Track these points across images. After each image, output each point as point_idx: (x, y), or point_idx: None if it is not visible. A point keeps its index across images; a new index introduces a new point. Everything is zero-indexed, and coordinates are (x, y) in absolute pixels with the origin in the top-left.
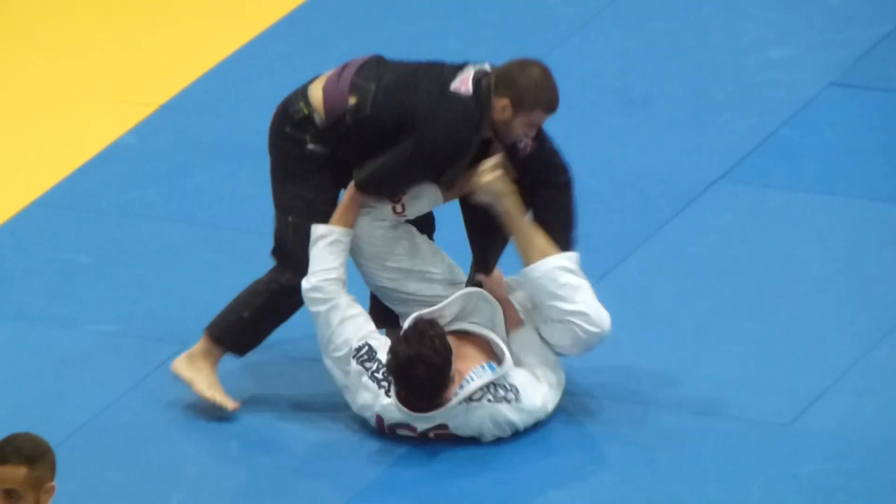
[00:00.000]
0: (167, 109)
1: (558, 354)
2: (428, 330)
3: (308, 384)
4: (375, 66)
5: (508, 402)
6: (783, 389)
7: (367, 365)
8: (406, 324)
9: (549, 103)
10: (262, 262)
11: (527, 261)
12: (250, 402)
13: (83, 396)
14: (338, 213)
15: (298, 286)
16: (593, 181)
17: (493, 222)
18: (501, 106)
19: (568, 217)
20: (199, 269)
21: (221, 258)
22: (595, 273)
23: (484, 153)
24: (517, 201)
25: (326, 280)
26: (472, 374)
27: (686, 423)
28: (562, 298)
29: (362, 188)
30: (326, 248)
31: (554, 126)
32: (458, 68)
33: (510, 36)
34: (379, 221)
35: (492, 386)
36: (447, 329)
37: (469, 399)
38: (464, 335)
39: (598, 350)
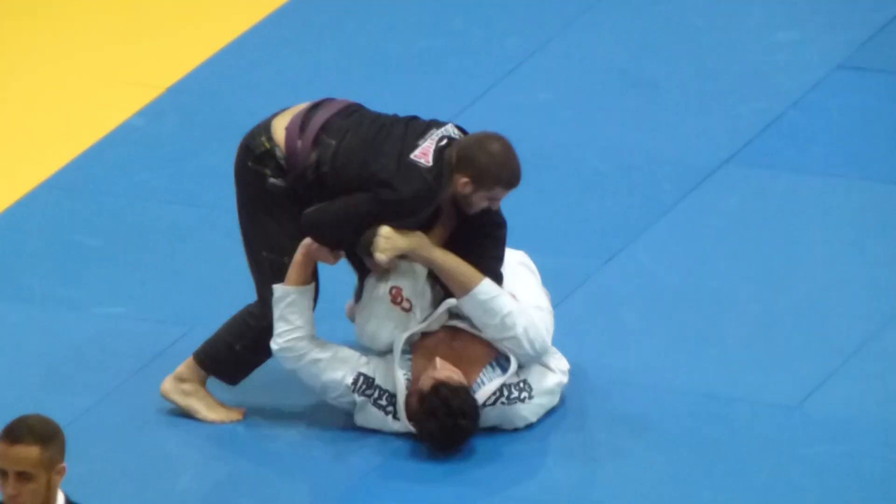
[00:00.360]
0: (175, 92)
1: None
2: (453, 398)
3: None
4: (344, 119)
5: (522, 401)
6: (790, 372)
7: (367, 392)
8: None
9: (510, 180)
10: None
11: (457, 292)
12: (257, 389)
13: (90, 379)
14: (292, 270)
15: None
16: (600, 164)
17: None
18: (462, 182)
19: (494, 263)
20: (206, 252)
21: (229, 240)
22: (602, 256)
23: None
24: (425, 244)
25: (292, 339)
26: (483, 376)
27: (693, 405)
28: (494, 328)
29: (304, 226)
30: (287, 310)
31: (562, 109)
32: (423, 132)
33: (517, 18)
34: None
35: (505, 387)
36: (444, 325)
37: (483, 405)
38: (464, 332)
39: (604, 333)
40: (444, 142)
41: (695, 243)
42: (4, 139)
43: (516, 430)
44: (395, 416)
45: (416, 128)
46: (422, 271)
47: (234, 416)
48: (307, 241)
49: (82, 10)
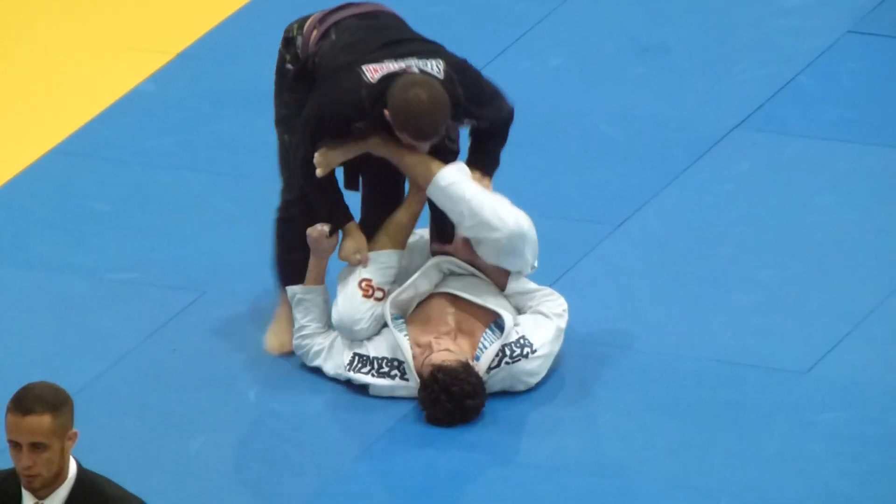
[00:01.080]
0: (186, 57)
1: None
2: (452, 383)
3: None
4: (360, 20)
5: (525, 356)
6: (800, 337)
7: (364, 370)
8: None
9: (414, 132)
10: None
11: (423, 181)
12: (269, 357)
13: (102, 344)
14: (309, 270)
15: (296, 199)
16: (610, 130)
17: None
18: (386, 116)
19: (492, 155)
20: (217, 217)
21: (239, 206)
22: (612, 221)
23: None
24: (373, 143)
25: (300, 338)
26: (483, 341)
27: (703, 371)
28: (462, 214)
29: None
30: (295, 310)
31: (573, 74)
32: (401, 55)
33: None
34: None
35: (505, 347)
36: (437, 291)
37: (488, 369)
38: (459, 300)
39: (614, 299)
40: (397, 75)
41: (705, 209)
42: (14, 105)
43: (527, 391)
44: (403, 377)
45: (401, 49)
46: (391, 259)
47: (285, 349)
48: (308, 231)
49: None
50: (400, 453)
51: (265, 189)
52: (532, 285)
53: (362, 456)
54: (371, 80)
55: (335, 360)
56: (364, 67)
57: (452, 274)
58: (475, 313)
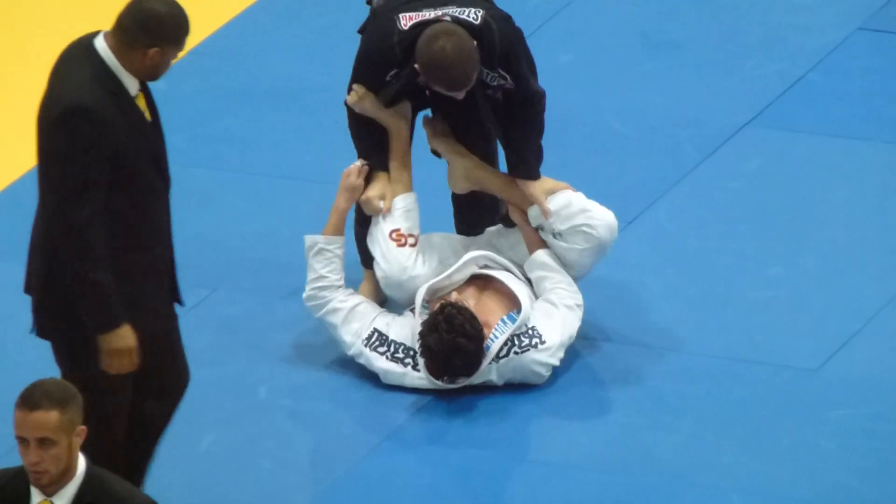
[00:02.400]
0: (195, 54)
1: (578, 269)
2: (456, 316)
3: (331, 337)
4: None
5: (534, 346)
6: (811, 334)
7: (381, 350)
8: (418, 301)
9: (446, 84)
10: (290, 207)
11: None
12: (279, 350)
13: None
14: (330, 218)
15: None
16: (621, 126)
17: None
18: (417, 69)
19: (532, 145)
20: (226, 214)
21: (249, 203)
22: (623, 219)
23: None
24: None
25: (315, 288)
26: (495, 331)
27: (714, 368)
28: (567, 217)
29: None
30: (313, 259)
31: (584, 70)
32: (441, 3)
33: None
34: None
35: (514, 338)
36: (474, 273)
37: (497, 357)
38: (483, 282)
39: (625, 295)
40: (433, 22)
41: (715, 206)
42: (23, 101)
43: (539, 388)
44: (415, 368)
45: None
46: (408, 202)
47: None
48: (343, 173)
49: None
50: (410, 450)
51: (275, 185)
52: (557, 265)
53: (372, 453)
54: (404, 27)
55: (354, 327)
56: (400, 15)
57: (487, 268)
58: (493, 304)
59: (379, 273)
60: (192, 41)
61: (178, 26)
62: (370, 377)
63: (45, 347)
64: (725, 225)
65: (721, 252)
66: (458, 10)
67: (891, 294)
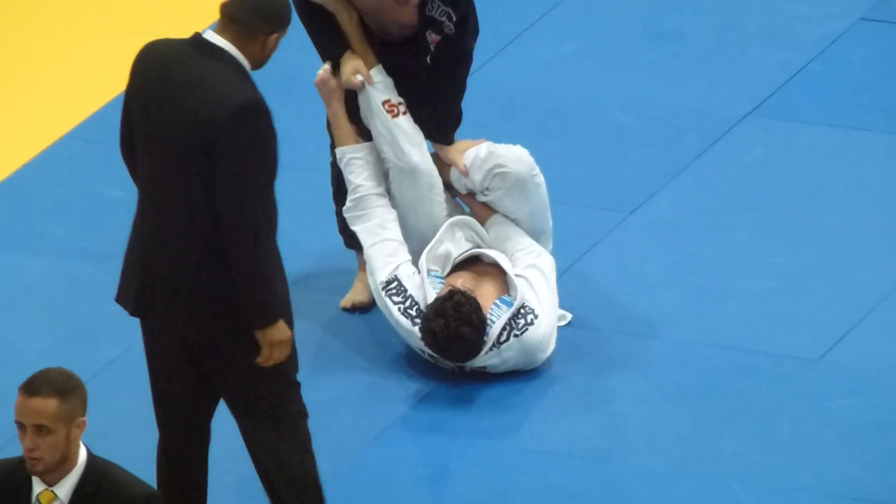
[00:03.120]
0: None
1: (533, 224)
2: (465, 305)
3: (333, 327)
4: None
5: (530, 324)
6: (813, 324)
7: (396, 299)
8: (423, 268)
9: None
10: (292, 196)
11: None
12: None
13: (115, 330)
14: (334, 130)
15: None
16: (624, 116)
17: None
18: None
19: (452, 109)
20: None
21: None
22: (626, 208)
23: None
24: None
25: (354, 199)
26: (491, 315)
27: (716, 357)
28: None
29: None
30: (347, 172)
31: (585, 60)
32: None
33: None
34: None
35: (511, 320)
36: (458, 260)
37: (497, 343)
38: (480, 267)
39: (627, 286)
40: None
41: (718, 196)
42: (29, 91)
43: (540, 375)
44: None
45: None
46: (383, 74)
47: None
48: (315, 81)
49: None
50: (412, 440)
51: (279, 176)
52: (509, 226)
53: (374, 442)
54: None
55: (375, 263)
56: None
57: (475, 244)
58: (489, 288)
59: (394, 154)
60: (197, 27)
61: (289, 8)
62: (369, 370)
63: (47, 338)
64: (727, 215)
65: (723, 242)
66: None
67: (892, 285)
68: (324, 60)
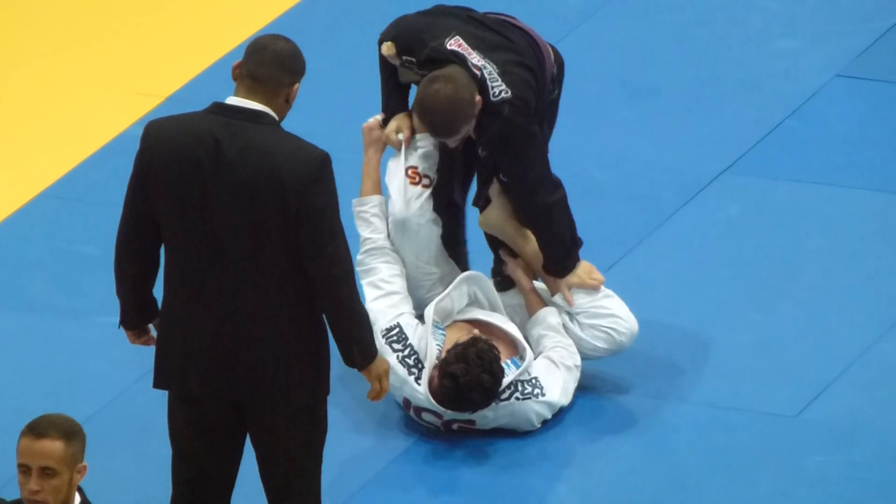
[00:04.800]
0: (175, 101)
1: (587, 358)
2: (488, 352)
3: None
4: (485, 28)
5: (535, 396)
6: (790, 381)
7: (395, 347)
8: (428, 318)
9: (429, 127)
10: None
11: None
12: None
13: (91, 387)
14: (364, 182)
15: None
16: (600, 172)
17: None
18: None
19: (546, 238)
20: None
21: None
22: (602, 264)
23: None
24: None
25: (364, 253)
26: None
27: (693, 414)
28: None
29: None
30: (357, 225)
31: (562, 117)
32: (490, 56)
33: None
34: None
35: (518, 383)
36: (464, 318)
37: (498, 398)
38: (484, 327)
39: None
40: (474, 68)
41: (694, 252)
42: (4, 148)
43: (520, 435)
44: (418, 381)
45: (496, 55)
46: (428, 142)
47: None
48: (364, 129)
49: (82, 19)
50: (392, 495)
51: None
52: (558, 326)
53: (355, 497)
54: (447, 45)
55: (376, 314)
56: (456, 35)
57: (477, 302)
58: (498, 337)
59: (391, 208)
60: (170, 88)
61: (302, 55)
62: (350, 421)
63: (24, 396)
64: (704, 271)
65: (699, 298)
66: (496, 76)
67: (869, 341)
68: (382, 111)
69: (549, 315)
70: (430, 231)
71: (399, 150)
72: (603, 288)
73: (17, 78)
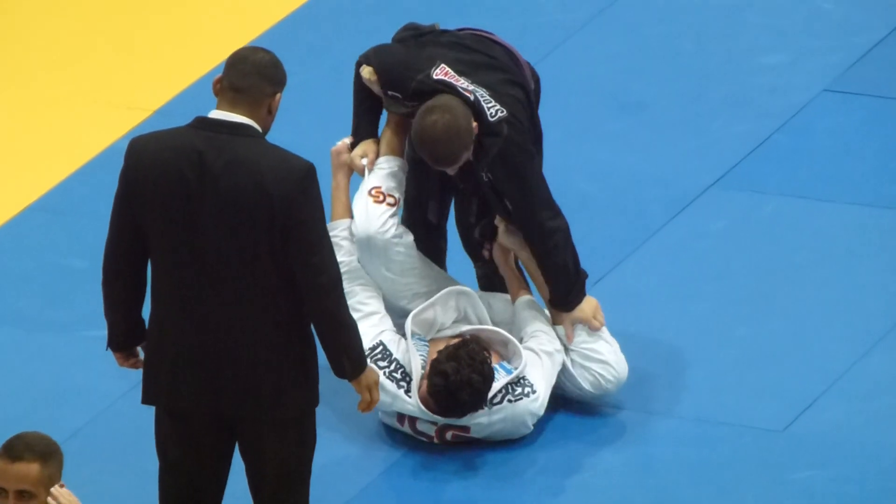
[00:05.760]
0: (162, 114)
1: (568, 395)
2: (479, 353)
3: None
4: (465, 50)
5: (527, 395)
6: (777, 395)
7: (381, 364)
8: (408, 330)
9: (429, 157)
10: None
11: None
12: None
13: (78, 401)
14: (333, 206)
15: None
16: (588, 186)
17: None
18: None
19: (550, 270)
20: None
21: None
22: (590, 278)
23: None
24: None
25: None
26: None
27: (680, 428)
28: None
29: None
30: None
31: (550, 130)
32: (478, 80)
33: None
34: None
35: (508, 386)
36: (450, 334)
37: (490, 403)
38: (472, 336)
39: None
40: (465, 93)
41: (681, 266)
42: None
43: (507, 447)
44: (408, 393)
45: (483, 76)
46: (392, 163)
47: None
48: (332, 152)
49: (70, 33)
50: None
51: None
52: (539, 312)
53: (373, 486)
54: (433, 75)
55: (366, 328)
56: (442, 65)
57: (466, 319)
58: (488, 341)
59: (354, 229)
60: (158, 101)
61: (283, 66)
62: (339, 436)
63: (10, 410)
64: (691, 285)
65: (687, 312)
66: (489, 98)
67: (857, 354)
68: (352, 135)
69: (530, 301)
70: (397, 244)
71: (362, 175)
72: (603, 330)
73: (3, 92)
